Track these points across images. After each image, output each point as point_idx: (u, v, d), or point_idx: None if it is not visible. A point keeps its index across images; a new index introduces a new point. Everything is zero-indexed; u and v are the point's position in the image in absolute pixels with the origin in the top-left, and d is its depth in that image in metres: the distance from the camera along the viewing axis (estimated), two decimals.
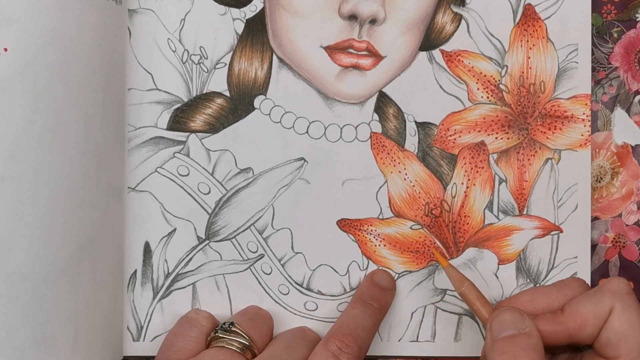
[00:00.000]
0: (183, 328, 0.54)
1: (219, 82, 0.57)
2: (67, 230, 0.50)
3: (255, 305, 0.56)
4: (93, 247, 0.53)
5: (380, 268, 0.57)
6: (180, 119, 0.57)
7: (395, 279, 0.57)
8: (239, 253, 0.57)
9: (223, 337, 0.52)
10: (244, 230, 0.57)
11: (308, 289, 0.57)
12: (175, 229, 0.57)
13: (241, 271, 0.57)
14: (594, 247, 0.58)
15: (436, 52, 0.57)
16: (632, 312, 0.46)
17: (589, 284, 0.57)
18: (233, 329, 0.52)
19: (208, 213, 0.57)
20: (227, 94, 0.57)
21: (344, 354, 0.51)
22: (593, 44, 0.58)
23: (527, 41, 0.57)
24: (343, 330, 0.52)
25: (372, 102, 0.57)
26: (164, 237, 0.57)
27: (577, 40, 0.57)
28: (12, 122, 0.48)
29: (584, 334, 0.48)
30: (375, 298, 0.55)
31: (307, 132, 0.57)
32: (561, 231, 0.57)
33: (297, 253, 0.57)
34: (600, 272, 0.58)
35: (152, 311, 0.57)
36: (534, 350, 0.46)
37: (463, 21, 0.57)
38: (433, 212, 0.57)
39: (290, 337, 0.54)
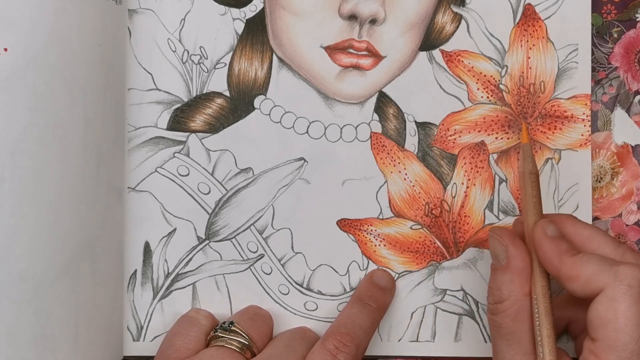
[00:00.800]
0: (183, 327, 0.54)
1: (219, 82, 0.57)
2: (67, 230, 0.50)
3: (255, 305, 0.56)
4: (93, 247, 0.53)
5: (379, 268, 0.57)
6: (180, 119, 0.57)
7: (395, 279, 0.57)
8: (239, 253, 0.57)
9: (222, 337, 0.52)
10: (244, 230, 0.57)
11: (308, 289, 0.57)
12: (175, 229, 0.57)
13: (241, 271, 0.57)
14: None
15: (436, 52, 0.57)
16: (622, 302, 0.45)
17: None
18: (233, 328, 0.52)
19: (208, 213, 0.57)
20: (227, 94, 0.57)
21: (341, 352, 0.51)
22: (593, 44, 0.58)
23: (527, 41, 0.57)
24: (340, 330, 0.52)
25: (372, 102, 0.57)
26: (164, 237, 0.57)
27: (577, 40, 0.57)
28: (12, 122, 0.48)
29: (570, 286, 0.47)
30: (374, 298, 0.55)
31: (307, 132, 0.57)
32: None
33: (297, 253, 0.57)
34: None
35: (152, 311, 0.57)
36: (505, 287, 0.48)
37: (463, 21, 0.57)
38: (433, 212, 0.57)
39: (289, 337, 0.54)
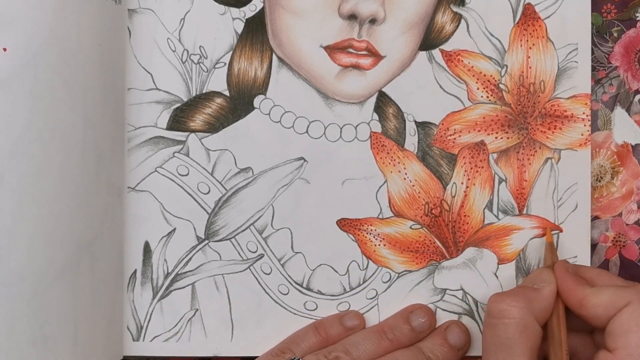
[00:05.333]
0: None
1: (218, 82, 0.57)
2: (67, 230, 0.50)
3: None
4: (93, 247, 0.53)
5: (456, 322, 0.57)
6: (179, 119, 0.57)
7: (395, 279, 0.57)
8: (239, 253, 0.57)
9: None
10: (243, 230, 0.57)
11: (308, 288, 0.57)
12: (174, 229, 0.57)
13: (240, 271, 0.57)
14: (594, 246, 0.58)
15: (436, 52, 0.57)
16: None
17: None
18: None
19: (207, 213, 0.57)
20: (227, 93, 0.57)
21: None
22: (593, 43, 0.58)
23: (527, 41, 0.57)
24: None
25: (372, 101, 0.57)
26: (164, 237, 0.57)
27: (577, 40, 0.57)
28: (11, 122, 0.48)
29: (593, 312, 0.49)
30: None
31: (306, 131, 0.57)
32: (561, 231, 0.57)
33: (296, 253, 0.57)
34: None
35: (152, 311, 0.57)
36: (525, 299, 0.50)
37: (463, 21, 0.57)
38: (433, 211, 0.57)
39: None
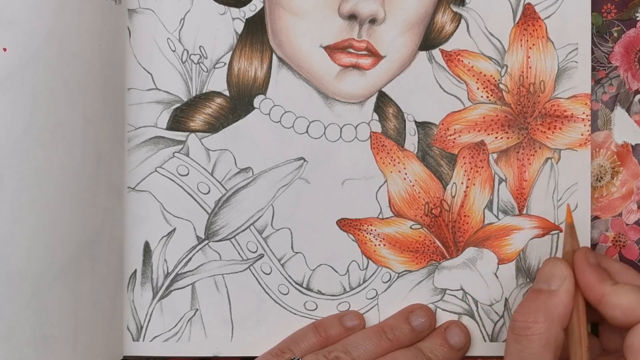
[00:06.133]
0: None
1: (218, 82, 0.57)
2: (67, 230, 0.50)
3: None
4: (93, 247, 0.53)
5: (456, 322, 0.57)
6: (179, 119, 0.57)
7: (395, 279, 0.57)
8: (239, 253, 0.57)
9: None
10: (243, 230, 0.57)
11: (308, 288, 0.57)
12: (174, 229, 0.57)
13: (240, 271, 0.57)
14: (594, 246, 0.58)
15: (436, 52, 0.57)
16: None
17: None
18: None
19: (207, 213, 0.57)
20: (227, 93, 0.57)
21: None
22: (593, 43, 0.58)
23: (527, 41, 0.57)
24: None
25: (372, 101, 0.57)
26: (164, 237, 0.57)
27: (577, 40, 0.57)
28: (11, 122, 0.48)
29: (611, 312, 0.48)
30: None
31: (306, 131, 0.57)
32: (561, 231, 0.57)
33: (296, 253, 0.57)
34: None
35: (152, 311, 0.57)
36: (546, 311, 0.48)
37: (463, 21, 0.57)
38: (433, 211, 0.57)
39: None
